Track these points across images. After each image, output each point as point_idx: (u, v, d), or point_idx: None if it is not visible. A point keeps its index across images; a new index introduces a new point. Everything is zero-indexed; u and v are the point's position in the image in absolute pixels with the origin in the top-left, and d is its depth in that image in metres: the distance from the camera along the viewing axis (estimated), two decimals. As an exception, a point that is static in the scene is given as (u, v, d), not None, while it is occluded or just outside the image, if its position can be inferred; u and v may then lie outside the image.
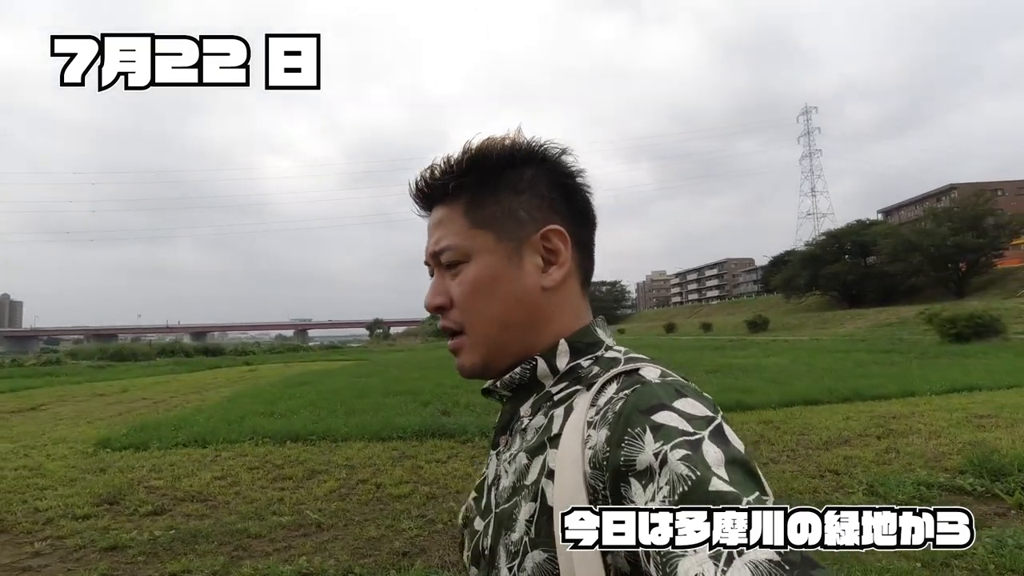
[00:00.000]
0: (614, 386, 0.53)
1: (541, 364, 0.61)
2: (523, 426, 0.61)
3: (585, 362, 0.60)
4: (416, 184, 0.66)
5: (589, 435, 0.50)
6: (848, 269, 49.79)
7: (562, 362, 0.61)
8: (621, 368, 0.56)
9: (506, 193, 0.63)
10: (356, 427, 7.00)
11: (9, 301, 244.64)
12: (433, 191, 0.65)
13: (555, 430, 0.56)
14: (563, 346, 0.61)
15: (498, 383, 0.64)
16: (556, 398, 0.59)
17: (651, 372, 0.54)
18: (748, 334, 40.47)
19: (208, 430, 7.02)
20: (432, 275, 0.67)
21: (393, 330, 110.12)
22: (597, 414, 0.51)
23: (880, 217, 71.07)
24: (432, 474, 5.02)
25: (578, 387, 0.58)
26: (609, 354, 0.61)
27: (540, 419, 0.59)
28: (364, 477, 5.00)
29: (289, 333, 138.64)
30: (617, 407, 0.50)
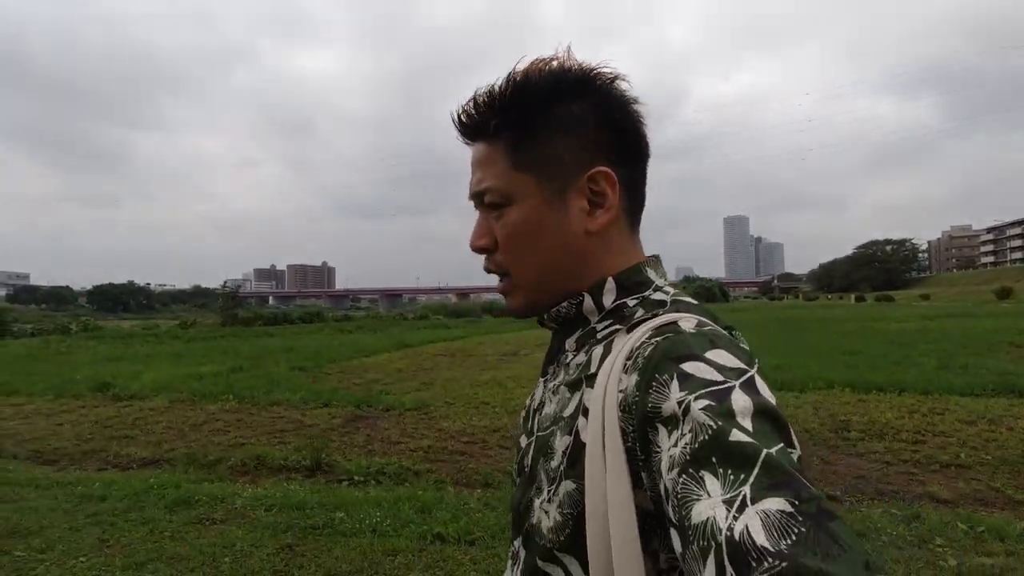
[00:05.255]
0: (649, 332, 0.54)
1: (587, 301, 0.62)
2: (567, 360, 0.63)
3: (631, 301, 0.60)
4: (458, 118, 0.64)
5: (621, 378, 0.51)
6: None
7: (608, 300, 0.61)
8: (661, 314, 0.57)
9: (551, 133, 0.60)
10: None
11: (327, 267, 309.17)
12: (474, 127, 0.63)
13: (593, 368, 0.57)
14: (610, 284, 0.61)
15: (546, 316, 0.66)
16: (599, 335, 0.60)
17: (688, 321, 0.54)
18: None
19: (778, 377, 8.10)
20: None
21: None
22: (630, 359, 0.52)
23: None
24: None
25: (619, 326, 0.59)
26: (656, 295, 0.61)
27: (582, 356, 0.61)
28: None
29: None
30: (647, 352, 0.51)
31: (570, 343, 0.64)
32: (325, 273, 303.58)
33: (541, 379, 0.69)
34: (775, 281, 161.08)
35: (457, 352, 14.39)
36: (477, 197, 0.64)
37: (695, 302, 0.60)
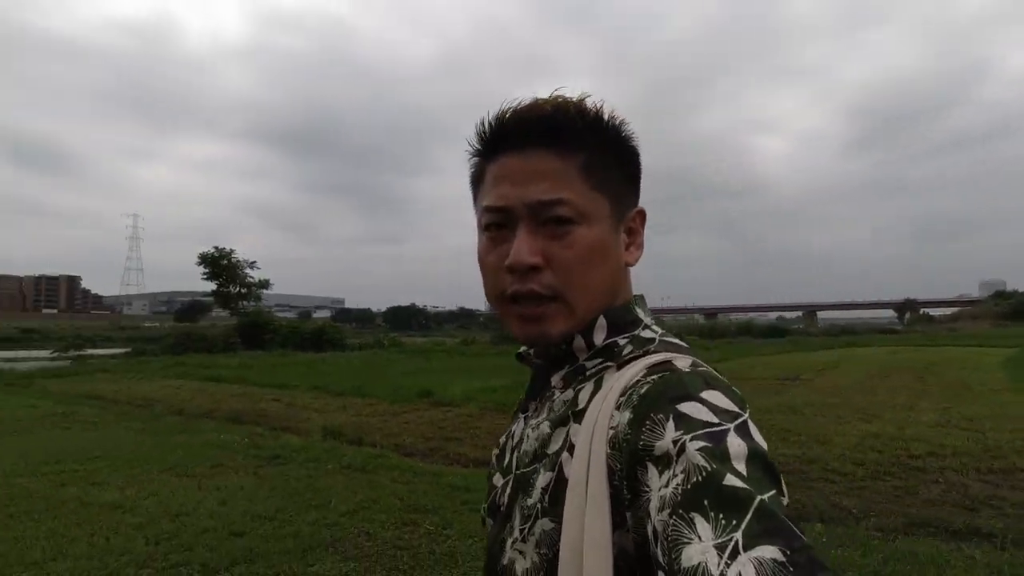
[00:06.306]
0: (644, 371, 0.53)
1: (578, 339, 0.61)
2: (552, 396, 0.62)
3: (621, 340, 0.60)
4: (533, 116, 0.59)
5: (613, 415, 0.51)
6: None
7: (599, 337, 0.60)
8: (653, 354, 0.56)
9: (618, 161, 0.62)
10: None
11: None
12: (553, 131, 0.58)
13: (581, 404, 0.57)
14: (601, 321, 0.61)
15: (532, 351, 0.66)
16: (588, 373, 0.60)
17: (682, 361, 0.54)
18: None
19: None
20: (494, 226, 0.61)
21: (930, 311, 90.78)
22: (623, 396, 0.52)
23: None
24: None
25: (610, 363, 0.59)
26: (645, 333, 0.61)
27: (569, 392, 0.60)
28: None
29: (790, 315, 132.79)
30: (643, 391, 0.50)
31: (556, 379, 0.63)
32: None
33: (521, 415, 0.68)
34: None
35: (725, 374, 13.47)
36: (535, 208, 0.58)
37: (684, 344, 0.60)
